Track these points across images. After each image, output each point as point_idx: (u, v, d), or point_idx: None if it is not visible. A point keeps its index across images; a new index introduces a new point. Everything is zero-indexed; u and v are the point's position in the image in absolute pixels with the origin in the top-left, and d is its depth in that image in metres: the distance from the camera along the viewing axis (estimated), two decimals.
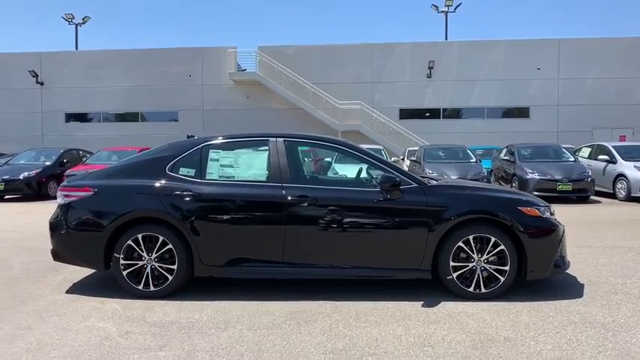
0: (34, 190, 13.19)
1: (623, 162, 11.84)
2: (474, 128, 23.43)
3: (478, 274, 4.07)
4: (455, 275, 4.07)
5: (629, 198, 11.35)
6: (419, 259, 4.08)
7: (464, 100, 23.89)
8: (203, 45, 26.86)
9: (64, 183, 4.44)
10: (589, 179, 11.35)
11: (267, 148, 4.34)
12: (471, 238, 4.05)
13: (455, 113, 24.25)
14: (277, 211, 4.10)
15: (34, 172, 13.38)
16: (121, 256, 4.14)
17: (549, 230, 4.12)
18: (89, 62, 25.46)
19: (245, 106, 24.88)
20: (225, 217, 4.14)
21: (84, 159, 15.15)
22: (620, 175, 11.74)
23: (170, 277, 4.14)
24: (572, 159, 12.54)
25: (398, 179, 4.10)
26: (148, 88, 25.14)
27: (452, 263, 4.06)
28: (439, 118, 24.22)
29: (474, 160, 13.20)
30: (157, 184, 4.19)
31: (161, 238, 4.12)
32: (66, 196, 4.30)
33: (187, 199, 4.13)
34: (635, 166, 11.42)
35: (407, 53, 24.10)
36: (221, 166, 4.32)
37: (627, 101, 22.86)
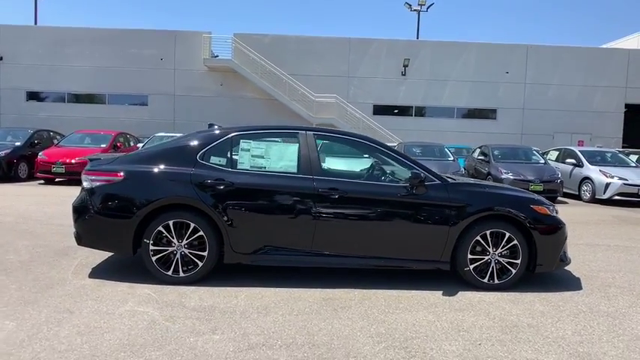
0: (3, 171, 12.60)
1: (590, 166, 12.64)
2: (445, 127, 24.14)
3: (492, 267, 4.38)
4: (472, 267, 4.36)
5: (594, 200, 12.16)
6: (439, 252, 4.34)
7: (436, 99, 24.54)
8: (176, 28, 26.19)
9: (89, 167, 4.39)
10: (559, 181, 12.06)
11: (297, 140, 4.46)
12: (488, 232, 4.34)
13: (427, 111, 24.87)
14: (308, 202, 4.24)
15: (3, 152, 12.76)
16: (151, 242, 4.16)
17: (557, 227, 4.47)
18: (54, 39, 24.29)
19: (218, 94, 24.54)
20: (257, 206, 4.24)
21: (55, 140, 14.59)
22: (586, 178, 12.54)
23: (200, 264, 4.21)
24: (542, 161, 13.25)
25: (423, 175, 4.33)
26: (116, 70, 24.32)
27: (469, 256, 4.35)
28: (411, 115, 24.77)
29: (452, 158, 13.70)
30: (189, 172, 4.23)
31: (192, 225, 4.17)
32: (93, 180, 4.26)
33: (220, 187, 4.20)
34: (600, 170, 12.23)
35: (383, 49, 24.45)
36: (252, 156, 4.41)
37: (586, 108, 24.19)
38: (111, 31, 24.60)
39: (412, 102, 24.72)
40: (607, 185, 11.85)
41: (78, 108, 24.75)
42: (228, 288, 4.14)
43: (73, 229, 4.41)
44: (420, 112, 24.90)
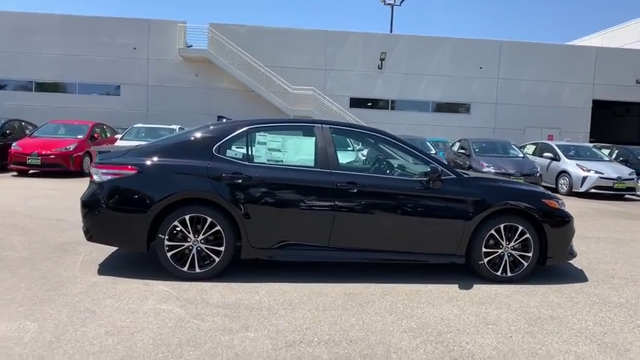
0: None
1: (567, 160, 13.06)
2: (420, 120, 24.44)
3: (505, 260, 4.46)
4: (486, 260, 4.42)
5: (571, 193, 12.58)
6: (455, 245, 4.38)
7: (411, 92, 24.80)
8: (150, 17, 25.38)
9: (99, 160, 4.20)
10: (538, 174, 12.42)
11: (313, 134, 4.41)
12: (502, 226, 4.41)
13: (403, 105, 25.09)
14: (326, 196, 4.19)
15: None
16: (166, 237, 4.03)
17: (566, 221, 4.59)
18: (19, 25, 23.16)
19: (193, 85, 24.03)
20: (275, 200, 4.17)
21: (27, 131, 13.94)
22: (563, 172, 12.96)
23: (217, 259, 4.11)
24: (521, 155, 13.61)
25: (440, 170, 4.35)
26: (86, 58, 23.42)
27: (484, 249, 4.41)
28: (388, 109, 24.97)
29: (433, 152, 13.89)
30: (206, 165, 4.12)
31: (209, 220, 4.06)
32: (104, 174, 4.08)
33: (238, 181, 4.11)
34: (577, 164, 12.66)
35: (359, 43, 24.49)
36: (269, 149, 4.33)
37: (556, 103, 24.97)
38: (81, 18, 23.65)
39: (388, 95, 24.91)
40: (584, 179, 12.28)
41: (45, 97, 23.72)
42: (246, 284, 4.06)
43: (82, 225, 4.23)
44: (396, 105, 25.10)
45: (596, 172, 12.29)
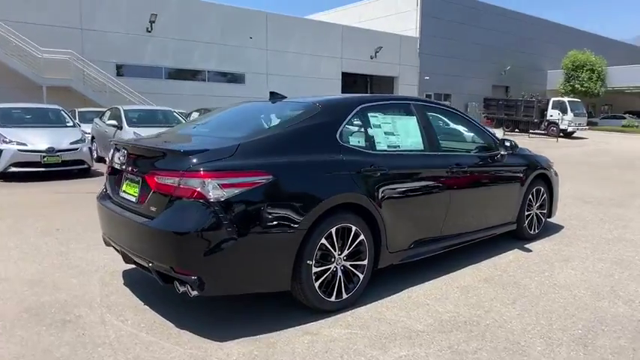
0: None
1: None
2: (199, 90, 23.19)
3: (534, 220, 5.03)
4: (526, 222, 4.89)
5: None
6: (513, 213, 4.68)
7: (186, 61, 23.16)
8: None
9: (208, 165, 2.62)
10: None
11: (412, 113, 3.86)
12: (534, 190, 4.94)
13: (179, 73, 23.21)
14: (443, 182, 3.83)
15: None
16: (314, 262, 2.95)
17: (557, 178, 5.45)
18: None
19: None
20: (409, 194, 3.55)
21: None
22: None
23: (361, 277, 3.26)
24: None
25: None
26: None
27: (526, 212, 4.86)
28: (162, 77, 22.70)
29: None
30: (340, 159, 3.14)
31: (354, 229, 3.16)
32: (227, 185, 2.62)
33: (376, 175, 3.30)
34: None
35: (122, 0, 21.19)
36: (385, 133, 3.58)
37: (315, 75, 27.57)
38: None
39: (162, 62, 22.61)
40: None
41: None
42: (391, 297, 3.40)
43: (175, 273, 2.63)
44: (172, 74, 23.08)
45: None
